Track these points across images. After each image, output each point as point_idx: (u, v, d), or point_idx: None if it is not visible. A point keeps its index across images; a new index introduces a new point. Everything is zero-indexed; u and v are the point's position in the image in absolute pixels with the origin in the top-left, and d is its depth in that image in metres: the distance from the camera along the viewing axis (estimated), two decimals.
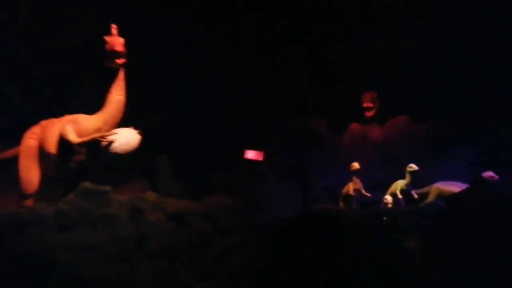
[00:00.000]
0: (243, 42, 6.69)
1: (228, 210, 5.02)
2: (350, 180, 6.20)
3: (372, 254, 4.79)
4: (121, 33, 5.25)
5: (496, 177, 5.41)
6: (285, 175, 6.53)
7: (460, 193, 5.37)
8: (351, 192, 6.10)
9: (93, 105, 5.35)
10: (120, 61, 5.28)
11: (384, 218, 5.24)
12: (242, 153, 6.55)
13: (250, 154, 6.59)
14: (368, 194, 6.12)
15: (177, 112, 6.29)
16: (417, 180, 6.11)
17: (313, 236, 5.01)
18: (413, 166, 5.91)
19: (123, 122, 5.30)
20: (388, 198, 6.00)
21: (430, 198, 5.91)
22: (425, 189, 6.05)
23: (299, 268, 4.81)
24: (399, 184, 6.03)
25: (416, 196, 5.95)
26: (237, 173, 6.10)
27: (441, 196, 5.77)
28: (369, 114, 7.19)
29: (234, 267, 4.83)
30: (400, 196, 5.97)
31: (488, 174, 5.48)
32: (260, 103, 6.72)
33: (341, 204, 6.25)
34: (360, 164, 6.26)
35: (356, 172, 6.14)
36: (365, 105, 7.18)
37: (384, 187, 6.39)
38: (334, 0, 6.92)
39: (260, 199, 5.77)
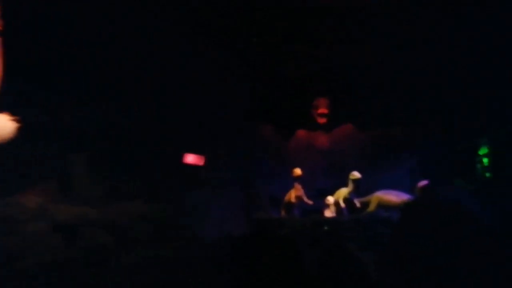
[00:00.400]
0: (187, 39, 6.40)
1: (141, 219, 4.56)
2: (292, 187, 6.07)
3: (312, 264, 4.64)
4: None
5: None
6: (229, 181, 6.31)
7: (411, 202, 5.36)
8: (293, 200, 5.97)
9: None
10: None
11: (325, 227, 5.13)
12: (181, 157, 6.23)
13: (190, 158, 6.30)
14: (310, 202, 6.01)
15: (102, 107, 5.82)
16: (361, 188, 6.06)
17: (251, 245, 4.79)
18: (356, 174, 5.86)
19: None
20: (330, 199, 5.92)
21: (371, 207, 5.86)
22: (367, 198, 6.01)
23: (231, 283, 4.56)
24: (342, 192, 5.96)
25: (358, 204, 5.89)
26: (170, 178, 5.79)
27: (381, 205, 5.73)
28: (323, 120, 7.09)
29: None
30: (342, 204, 5.90)
31: (424, 183, 5.50)
32: (203, 105, 6.46)
33: (282, 212, 6.10)
34: (303, 171, 6.16)
35: (298, 179, 6.02)
36: (320, 111, 7.06)
37: (329, 195, 6.33)
38: (282, 5, 6.80)
39: (197, 206, 5.51)
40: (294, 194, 6.02)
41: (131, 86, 5.98)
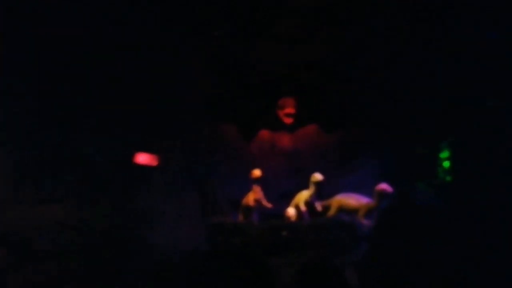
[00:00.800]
0: (143, 31, 6.03)
1: (52, 226, 3.78)
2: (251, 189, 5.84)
3: (268, 272, 4.45)
4: None
5: (390, 189, 5.35)
6: (184, 183, 6.01)
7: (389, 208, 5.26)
8: (251, 203, 5.73)
9: None
10: None
11: (284, 233, 4.93)
12: (132, 157, 5.85)
13: (142, 158, 5.94)
14: (269, 205, 5.79)
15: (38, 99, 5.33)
16: (323, 191, 5.92)
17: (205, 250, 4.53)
18: (317, 176, 5.68)
19: None
20: (290, 211, 5.72)
21: (332, 211, 5.72)
22: (328, 201, 5.86)
23: None
24: (303, 195, 5.77)
25: (319, 208, 5.73)
26: (117, 180, 5.41)
27: (341, 209, 5.60)
28: (289, 120, 6.85)
29: None
30: (303, 208, 5.71)
31: (382, 186, 5.39)
32: (159, 101, 6.11)
33: (240, 216, 5.86)
34: (265, 173, 5.94)
35: (257, 180, 5.78)
36: (287, 111, 6.81)
37: (292, 198, 6.15)
38: (244, 3, 6.57)
39: (147, 211, 5.19)
40: (252, 197, 5.78)
41: (72, 77, 5.51)
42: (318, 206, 5.73)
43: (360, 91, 6.92)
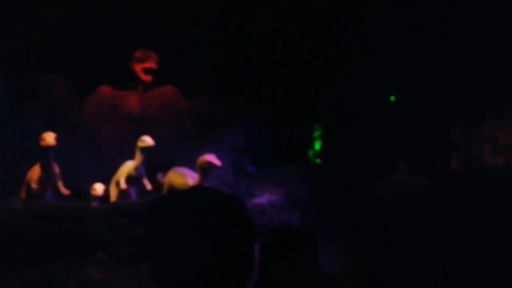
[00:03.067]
0: None
1: None
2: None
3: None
4: None
5: (217, 162, 4.14)
6: None
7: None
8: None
9: None
10: None
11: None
12: None
13: None
14: (66, 192, 4.28)
15: None
16: (158, 161, 4.64)
17: None
18: (147, 140, 4.30)
19: None
20: (98, 188, 4.31)
21: (164, 188, 4.44)
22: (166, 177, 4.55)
23: None
24: (126, 168, 4.39)
25: (149, 185, 4.37)
26: None
27: (172, 186, 4.36)
28: (149, 78, 5.61)
29: None
30: (123, 185, 4.31)
31: (207, 158, 4.20)
32: None
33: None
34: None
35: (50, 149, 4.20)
36: (148, 65, 5.57)
37: None
38: None
39: None
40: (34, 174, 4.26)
41: None
42: (147, 182, 4.35)
43: (233, 53, 6.00)
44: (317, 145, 6.67)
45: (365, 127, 6.18)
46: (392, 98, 6.49)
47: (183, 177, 4.26)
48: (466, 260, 4.30)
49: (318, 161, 6.70)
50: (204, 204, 1.37)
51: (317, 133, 6.66)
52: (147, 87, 5.70)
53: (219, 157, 4.76)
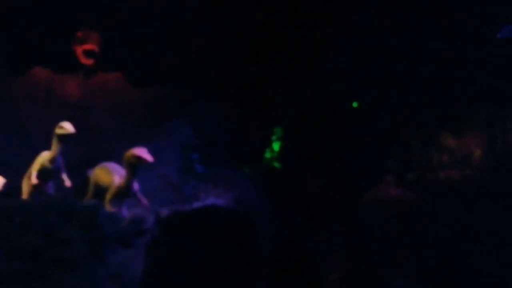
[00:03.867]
0: None
1: None
2: None
3: None
4: None
5: (148, 158, 3.58)
6: None
7: None
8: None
9: None
10: None
11: None
12: None
13: None
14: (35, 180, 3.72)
15: None
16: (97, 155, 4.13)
17: None
18: (66, 127, 3.73)
19: None
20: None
21: (90, 186, 3.89)
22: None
23: None
24: (41, 160, 3.82)
25: (68, 181, 3.80)
26: None
27: (98, 186, 3.83)
28: (89, 61, 5.14)
29: None
30: (34, 180, 3.74)
31: (136, 151, 3.68)
32: None
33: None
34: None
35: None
36: (88, 47, 5.11)
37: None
38: None
39: None
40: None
41: None
42: (65, 178, 3.74)
43: (192, 44, 5.53)
44: (276, 146, 6.27)
45: (327, 131, 5.95)
46: (355, 104, 6.23)
47: (109, 174, 3.73)
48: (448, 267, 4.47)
49: (276, 164, 6.29)
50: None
51: (276, 134, 6.27)
52: (89, 71, 5.16)
53: (160, 152, 4.27)
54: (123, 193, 3.63)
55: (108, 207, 3.58)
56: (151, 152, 4.06)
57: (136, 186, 3.68)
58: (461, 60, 5.54)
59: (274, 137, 6.22)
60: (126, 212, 3.63)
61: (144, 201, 3.70)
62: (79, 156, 4.51)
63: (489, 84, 5.47)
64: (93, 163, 4.20)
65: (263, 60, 5.89)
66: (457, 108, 5.70)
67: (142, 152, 3.58)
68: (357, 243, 5.03)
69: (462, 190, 5.37)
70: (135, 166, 3.61)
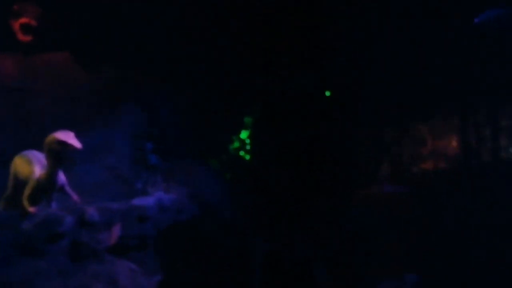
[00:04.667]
0: None
1: None
2: None
3: None
4: None
5: (76, 143, 3.05)
6: None
7: None
8: None
9: None
10: None
11: None
12: None
13: None
14: None
15: None
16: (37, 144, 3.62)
17: None
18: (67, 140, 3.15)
19: None
20: None
21: (10, 177, 3.41)
22: None
23: None
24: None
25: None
26: None
27: (17, 179, 3.33)
28: (27, 38, 4.64)
29: None
30: None
31: (61, 136, 3.13)
32: None
33: None
34: None
35: None
36: (24, 20, 4.62)
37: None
38: None
39: None
40: None
41: None
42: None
43: (155, 26, 5.01)
44: (243, 135, 5.86)
45: (298, 121, 5.61)
46: (327, 93, 5.91)
47: (29, 164, 3.21)
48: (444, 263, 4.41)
49: (242, 153, 5.88)
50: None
51: (246, 122, 5.88)
52: (28, 50, 4.59)
53: (109, 141, 3.79)
54: (46, 188, 3.09)
55: (26, 205, 3.05)
56: (99, 141, 3.58)
57: (62, 178, 3.14)
58: (435, 52, 5.31)
59: (242, 127, 5.84)
60: (35, 209, 3.10)
61: (74, 196, 3.19)
62: (14, 145, 3.99)
63: (464, 75, 5.30)
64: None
65: (231, 45, 5.46)
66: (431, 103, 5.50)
67: (67, 137, 3.02)
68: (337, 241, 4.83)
69: (439, 184, 5.21)
70: (59, 154, 3.04)
